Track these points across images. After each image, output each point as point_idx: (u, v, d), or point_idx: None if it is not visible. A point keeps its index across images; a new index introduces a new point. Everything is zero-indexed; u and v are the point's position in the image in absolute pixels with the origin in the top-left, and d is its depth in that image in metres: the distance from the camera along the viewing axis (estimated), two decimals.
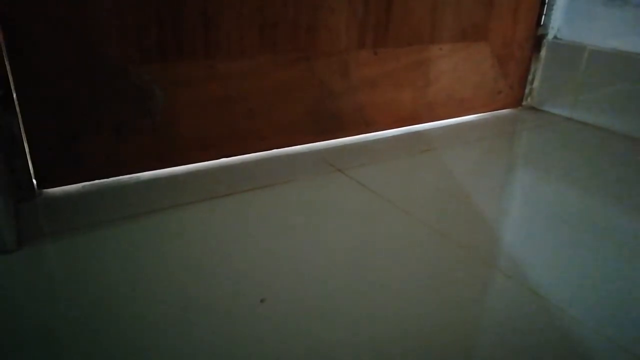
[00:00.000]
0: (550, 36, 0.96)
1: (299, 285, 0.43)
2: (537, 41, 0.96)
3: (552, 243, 0.52)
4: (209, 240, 0.50)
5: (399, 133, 0.83)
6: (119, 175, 0.61)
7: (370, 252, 0.49)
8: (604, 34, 0.88)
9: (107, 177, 0.61)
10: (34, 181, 0.56)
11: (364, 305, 0.41)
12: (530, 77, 0.98)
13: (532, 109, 1.00)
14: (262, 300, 0.41)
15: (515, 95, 0.98)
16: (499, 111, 0.97)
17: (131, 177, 0.62)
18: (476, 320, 0.40)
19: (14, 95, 0.52)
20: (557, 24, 0.95)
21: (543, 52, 0.96)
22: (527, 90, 1.00)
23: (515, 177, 0.71)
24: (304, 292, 0.42)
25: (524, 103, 1.01)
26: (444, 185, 0.64)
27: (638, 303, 0.43)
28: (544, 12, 0.93)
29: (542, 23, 0.94)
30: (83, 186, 0.59)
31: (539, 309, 0.41)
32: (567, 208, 0.59)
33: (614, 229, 0.55)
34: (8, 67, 0.51)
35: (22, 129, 0.54)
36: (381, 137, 0.81)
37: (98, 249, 0.47)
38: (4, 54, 0.50)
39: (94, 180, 0.60)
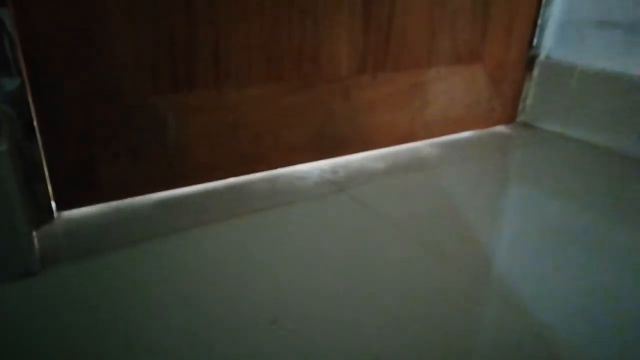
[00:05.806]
0: (542, 56, 0.99)
1: (306, 305, 0.47)
2: (530, 61, 0.99)
3: (548, 261, 0.55)
4: (221, 263, 0.53)
5: (397, 150, 0.87)
6: (132, 197, 0.64)
7: (371, 272, 0.52)
8: (594, 54, 0.92)
9: (122, 199, 0.64)
10: (53, 204, 0.59)
11: (365, 324, 0.44)
12: (523, 95, 1.02)
13: (526, 125, 1.04)
14: (273, 322, 0.44)
15: (509, 113, 1.02)
16: (493, 127, 1.01)
17: (143, 198, 0.65)
18: (468, 342, 0.43)
19: (35, 124, 0.55)
20: (549, 44, 0.99)
21: (535, 72, 1.00)
22: (520, 108, 1.03)
23: (511, 194, 0.74)
24: (311, 313, 0.46)
25: (517, 120, 1.05)
26: (442, 204, 0.68)
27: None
28: (536, 34, 0.97)
29: (534, 44, 0.98)
30: (98, 208, 0.62)
31: (533, 334, 0.45)
32: (562, 224, 0.63)
33: (610, 244, 0.59)
34: (30, 99, 0.54)
35: (42, 155, 0.57)
36: (380, 155, 0.84)
37: (116, 271, 0.51)
38: (27, 87, 0.53)
39: (110, 201, 0.63)
